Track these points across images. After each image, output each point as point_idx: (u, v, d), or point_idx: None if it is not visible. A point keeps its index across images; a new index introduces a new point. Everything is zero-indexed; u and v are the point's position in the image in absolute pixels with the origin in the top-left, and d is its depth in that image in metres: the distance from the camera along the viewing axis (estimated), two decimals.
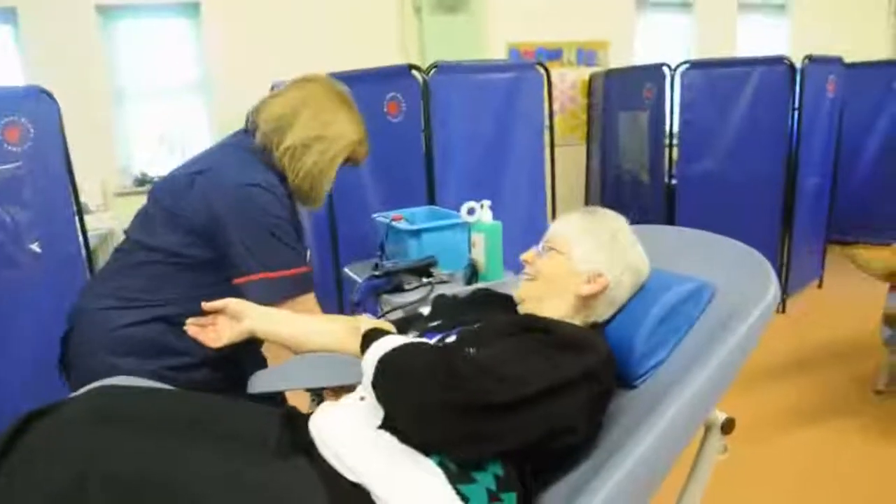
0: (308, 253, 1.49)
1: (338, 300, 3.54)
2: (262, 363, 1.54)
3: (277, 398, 1.50)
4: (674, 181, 4.05)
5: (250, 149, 1.39)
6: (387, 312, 1.61)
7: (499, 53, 4.63)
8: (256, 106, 1.43)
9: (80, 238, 2.57)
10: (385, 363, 0.97)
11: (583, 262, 1.18)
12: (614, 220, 1.25)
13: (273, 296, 1.30)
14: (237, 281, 1.33)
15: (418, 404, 0.91)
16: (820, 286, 4.16)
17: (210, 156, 1.43)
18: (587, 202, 4.83)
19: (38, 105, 2.40)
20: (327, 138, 1.39)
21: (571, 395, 0.95)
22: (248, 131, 1.42)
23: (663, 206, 4.05)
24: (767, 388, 2.75)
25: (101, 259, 3.28)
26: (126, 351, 1.33)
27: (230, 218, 1.30)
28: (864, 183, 4.86)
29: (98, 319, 1.37)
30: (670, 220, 3.93)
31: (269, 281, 1.31)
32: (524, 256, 1.26)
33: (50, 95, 2.43)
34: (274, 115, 1.38)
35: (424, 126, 2.85)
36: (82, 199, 2.79)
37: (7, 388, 2.34)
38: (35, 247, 2.43)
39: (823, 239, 4.18)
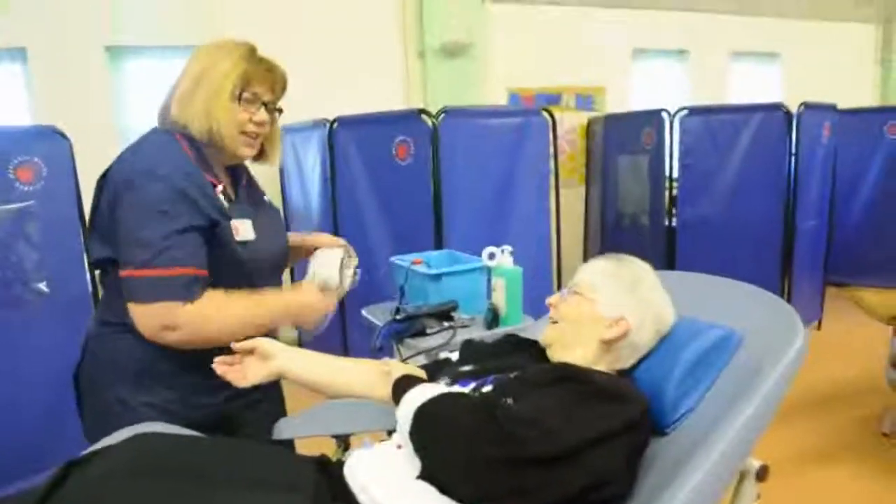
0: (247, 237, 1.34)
1: (342, 342, 3.53)
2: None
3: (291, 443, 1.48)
4: (674, 224, 4.10)
5: (158, 132, 1.33)
6: (409, 357, 1.61)
7: (499, 97, 4.72)
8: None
9: (88, 277, 2.56)
10: (423, 414, 0.97)
11: (605, 306, 1.20)
12: (638, 267, 1.27)
13: (134, 297, 1.21)
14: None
15: (461, 459, 0.92)
16: (819, 328, 4.20)
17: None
18: (587, 244, 4.87)
19: (51, 145, 2.41)
20: (208, 73, 1.29)
21: (613, 447, 0.95)
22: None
23: (664, 249, 4.09)
24: (771, 431, 2.73)
25: None
26: (125, 379, 1.29)
27: (117, 206, 1.23)
28: (858, 226, 4.94)
29: (93, 348, 1.35)
30: (670, 263, 3.97)
31: (130, 280, 1.21)
32: (550, 300, 1.27)
33: (63, 135, 2.44)
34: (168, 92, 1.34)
35: (433, 169, 2.89)
36: None
37: (14, 425, 2.31)
38: (42, 286, 2.42)
39: (822, 281, 4.23)
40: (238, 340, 1.22)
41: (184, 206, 1.21)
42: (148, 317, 1.20)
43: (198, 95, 1.28)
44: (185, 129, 1.29)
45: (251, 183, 1.49)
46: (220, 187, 1.31)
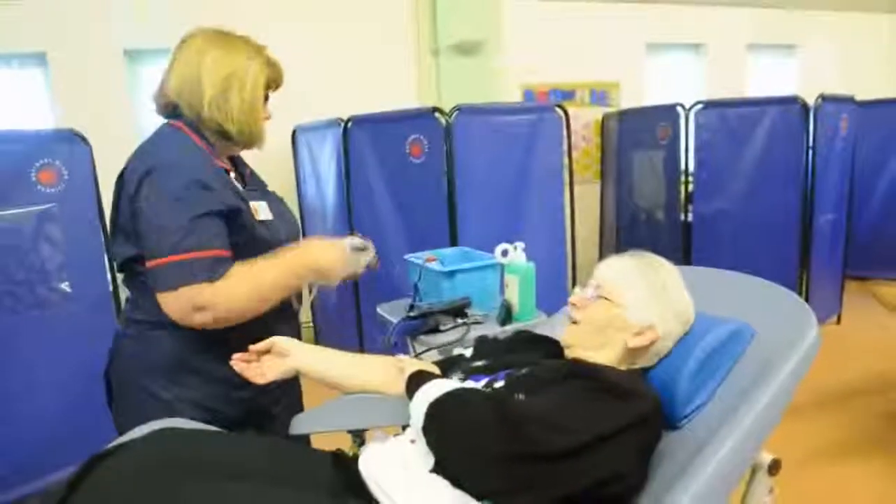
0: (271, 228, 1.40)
1: (358, 339, 3.56)
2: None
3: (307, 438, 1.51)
4: (690, 219, 4.08)
5: (168, 128, 1.37)
6: (422, 353, 1.62)
7: (514, 94, 4.72)
8: (157, 90, 1.41)
9: (109, 277, 2.61)
10: (436, 409, 0.99)
11: (634, 312, 1.18)
12: (665, 269, 1.24)
13: (161, 285, 1.23)
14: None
15: (473, 454, 0.93)
16: (839, 322, 4.15)
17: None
18: (602, 240, 4.86)
19: (71, 148, 2.46)
20: (238, 72, 1.35)
21: (623, 442, 0.96)
22: (167, 116, 1.40)
23: (680, 244, 4.07)
24: (790, 426, 2.69)
25: None
26: (157, 375, 1.32)
27: (136, 200, 1.25)
28: (878, 218, 4.88)
29: (124, 347, 1.38)
30: (687, 258, 3.95)
31: (156, 270, 1.23)
32: (573, 299, 1.25)
33: (83, 138, 2.49)
34: (180, 82, 1.35)
35: (447, 167, 2.90)
36: None
37: (38, 422, 2.36)
38: (65, 286, 2.47)
39: (841, 275, 4.19)
40: (269, 305, 1.29)
41: (201, 194, 1.24)
42: (177, 302, 1.22)
43: (232, 101, 1.35)
44: (219, 126, 1.35)
45: (251, 171, 1.55)
46: (232, 174, 1.37)
